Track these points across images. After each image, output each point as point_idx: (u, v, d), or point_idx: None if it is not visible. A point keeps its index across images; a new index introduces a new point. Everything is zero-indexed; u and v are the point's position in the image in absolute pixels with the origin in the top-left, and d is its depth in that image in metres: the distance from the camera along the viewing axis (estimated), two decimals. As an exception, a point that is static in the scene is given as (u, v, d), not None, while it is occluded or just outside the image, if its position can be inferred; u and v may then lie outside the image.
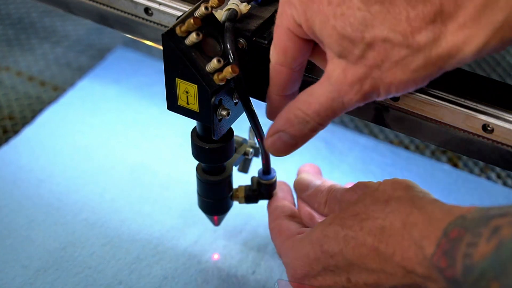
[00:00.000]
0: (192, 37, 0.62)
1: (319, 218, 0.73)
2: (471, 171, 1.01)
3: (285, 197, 0.79)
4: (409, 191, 0.61)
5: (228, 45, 0.63)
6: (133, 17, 0.78)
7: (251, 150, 0.80)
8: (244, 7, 0.65)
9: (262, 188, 0.79)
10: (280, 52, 0.61)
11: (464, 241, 0.52)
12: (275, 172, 0.80)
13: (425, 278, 0.56)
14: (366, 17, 0.55)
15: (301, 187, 0.76)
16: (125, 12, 0.79)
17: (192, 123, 0.72)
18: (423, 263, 0.55)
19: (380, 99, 0.58)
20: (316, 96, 0.59)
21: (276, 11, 0.63)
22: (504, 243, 0.48)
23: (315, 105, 0.59)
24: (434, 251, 0.54)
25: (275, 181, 0.80)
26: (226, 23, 0.64)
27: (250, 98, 0.67)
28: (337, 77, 0.57)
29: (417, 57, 0.55)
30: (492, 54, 0.55)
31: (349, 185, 0.70)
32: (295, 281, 0.66)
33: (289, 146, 0.62)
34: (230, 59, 0.63)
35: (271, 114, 0.65)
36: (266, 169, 0.77)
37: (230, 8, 0.65)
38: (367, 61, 0.56)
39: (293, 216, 0.75)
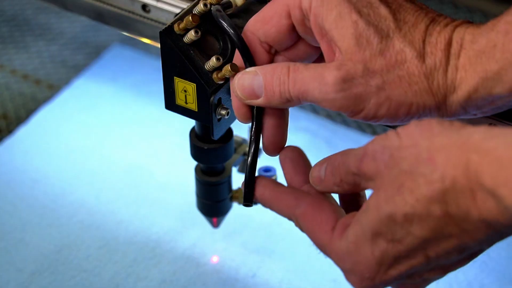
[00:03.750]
0: (191, 35, 0.61)
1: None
2: (475, 171, 1.00)
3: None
4: (445, 133, 0.52)
5: (221, 21, 0.61)
6: (130, 14, 0.78)
7: (251, 150, 0.79)
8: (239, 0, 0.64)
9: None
10: (259, 19, 0.60)
11: None
12: (275, 170, 0.79)
13: (509, 227, 0.50)
14: (390, 27, 0.56)
15: None
16: (122, 9, 0.79)
17: (191, 123, 0.71)
18: (505, 212, 0.49)
19: (355, 118, 0.57)
20: (307, 80, 0.57)
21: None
22: None
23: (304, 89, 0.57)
24: None
25: (275, 179, 0.79)
26: (216, 8, 0.62)
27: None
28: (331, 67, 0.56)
29: (422, 80, 0.56)
30: (478, 114, 0.57)
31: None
32: (365, 287, 0.58)
33: (254, 95, 0.59)
34: (231, 34, 0.61)
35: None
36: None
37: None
38: (371, 62, 0.56)
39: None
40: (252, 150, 0.62)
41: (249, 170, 0.62)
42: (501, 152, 0.48)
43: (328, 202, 0.59)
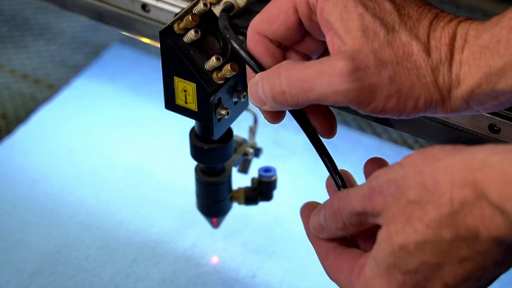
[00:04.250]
0: (191, 35, 0.61)
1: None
2: (476, 171, 1.00)
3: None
4: (448, 156, 0.52)
5: (222, 26, 0.61)
6: (130, 14, 0.78)
7: (250, 150, 0.80)
8: (241, 1, 0.64)
9: (262, 187, 0.79)
10: (265, 19, 0.59)
11: None
12: (275, 171, 0.79)
13: None
14: (395, 21, 0.56)
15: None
16: (121, 9, 0.79)
17: (191, 123, 0.71)
18: None
19: (363, 111, 0.56)
20: (317, 89, 0.56)
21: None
22: None
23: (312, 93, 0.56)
24: None
25: (276, 179, 0.80)
26: (220, 13, 0.62)
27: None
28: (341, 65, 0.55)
29: (430, 73, 0.55)
30: (481, 110, 0.57)
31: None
32: None
33: (262, 102, 0.59)
34: (227, 35, 0.61)
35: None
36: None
37: (226, 1, 0.64)
38: (381, 53, 0.55)
39: (343, 241, 0.62)
40: (322, 152, 0.60)
41: (332, 167, 0.60)
42: (506, 167, 0.47)
43: (349, 250, 0.59)
